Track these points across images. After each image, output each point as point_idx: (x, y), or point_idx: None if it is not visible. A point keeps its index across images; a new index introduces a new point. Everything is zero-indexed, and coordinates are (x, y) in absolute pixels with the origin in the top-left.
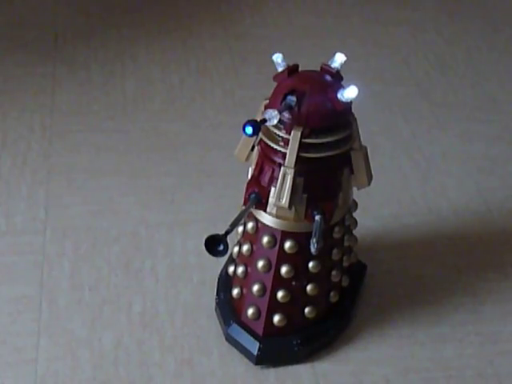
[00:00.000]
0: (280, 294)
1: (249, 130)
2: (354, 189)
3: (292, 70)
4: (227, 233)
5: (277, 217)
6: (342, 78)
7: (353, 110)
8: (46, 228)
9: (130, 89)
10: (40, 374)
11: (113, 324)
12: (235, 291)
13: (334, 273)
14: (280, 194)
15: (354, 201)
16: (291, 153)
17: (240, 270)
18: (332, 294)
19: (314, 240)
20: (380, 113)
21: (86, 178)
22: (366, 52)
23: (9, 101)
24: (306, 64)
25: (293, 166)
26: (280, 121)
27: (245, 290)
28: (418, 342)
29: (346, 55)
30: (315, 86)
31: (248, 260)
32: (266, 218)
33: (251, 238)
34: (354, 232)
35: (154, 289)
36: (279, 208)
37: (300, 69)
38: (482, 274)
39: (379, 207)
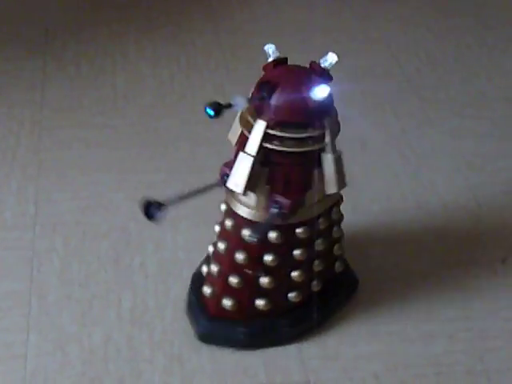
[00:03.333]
0: (265, 281)
1: (210, 111)
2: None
3: (279, 62)
4: (171, 202)
5: (238, 201)
6: (330, 78)
7: (342, 110)
8: (36, 223)
9: (120, 84)
10: (29, 369)
11: (102, 320)
12: (208, 290)
13: (316, 262)
14: (235, 178)
15: (340, 195)
16: (252, 140)
17: (215, 268)
18: (315, 282)
19: (254, 230)
20: (370, 109)
21: (75, 173)
22: (356, 48)
23: None
24: (296, 59)
25: (253, 153)
26: (256, 110)
27: (219, 286)
28: (407, 339)
29: (336, 51)
30: (290, 81)
31: (225, 257)
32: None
33: (228, 234)
34: (344, 227)
35: (144, 284)
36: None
37: (290, 63)
38: (472, 270)
39: (369, 203)
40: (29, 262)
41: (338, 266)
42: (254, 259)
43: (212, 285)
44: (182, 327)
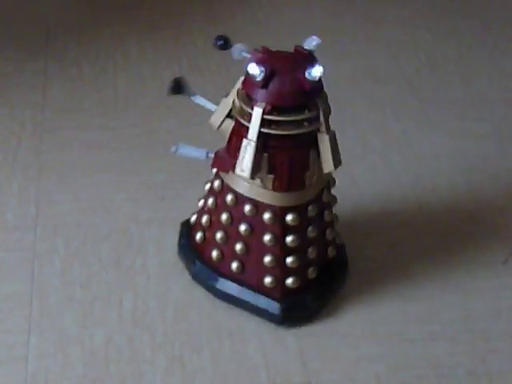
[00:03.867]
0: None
1: (220, 42)
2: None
3: (266, 49)
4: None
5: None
6: (315, 60)
7: (343, 108)
8: (37, 225)
9: (121, 86)
10: (30, 371)
11: (104, 321)
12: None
13: (310, 249)
14: (242, 164)
15: (333, 178)
16: (253, 126)
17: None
18: (311, 269)
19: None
20: (371, 110)
21: (76, 174)
22: (357, 49)
23: None
24: None
25: (254, 139)
26: (249, 97)
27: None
28: (408, 340)
29: (336, 52)
30: (285, 65)
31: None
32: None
33: (230, 208)
34: (344, 227)
35: (145, 286)
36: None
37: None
38: (473, 271)
39: (370, 205)
40: (30, 264)
41: (330, 251)
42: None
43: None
44: (183, 328)
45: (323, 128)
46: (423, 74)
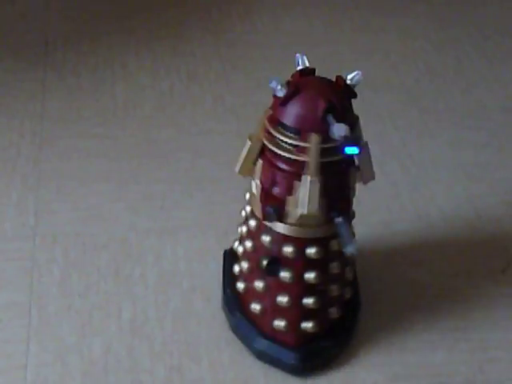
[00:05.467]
0: (310, 301)
1: (353, 150)
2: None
3: (295, 89)
4: None
5: (299, 225)
6: (354, 95)
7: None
8: (36, 234)
9: (120, 95)
10: (29, 380)
11: (102, 330)
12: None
13: (333, 287)
14: (306, 202)
15: (353, 211)
16: (312, 160)
17: (261, 284)
18: (332, 309)
19: (345, 242)
20: (370, 120)
21: (75, 184)
22: (355, 59)
23: None
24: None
25: (315, 174)
26: (293, 129)
27: (268, 303)
28: (407, 349)
29: (335, 62)
30: (334, 96)
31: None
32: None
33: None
34: None
35: (144, 295)
36: (301, 216)
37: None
38: (472, 280)
39: (369, 214)
40: (29, 273)
41: (346, 292)
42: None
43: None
44: (182, 338)
45: (363, 142)
46: (422, 83)
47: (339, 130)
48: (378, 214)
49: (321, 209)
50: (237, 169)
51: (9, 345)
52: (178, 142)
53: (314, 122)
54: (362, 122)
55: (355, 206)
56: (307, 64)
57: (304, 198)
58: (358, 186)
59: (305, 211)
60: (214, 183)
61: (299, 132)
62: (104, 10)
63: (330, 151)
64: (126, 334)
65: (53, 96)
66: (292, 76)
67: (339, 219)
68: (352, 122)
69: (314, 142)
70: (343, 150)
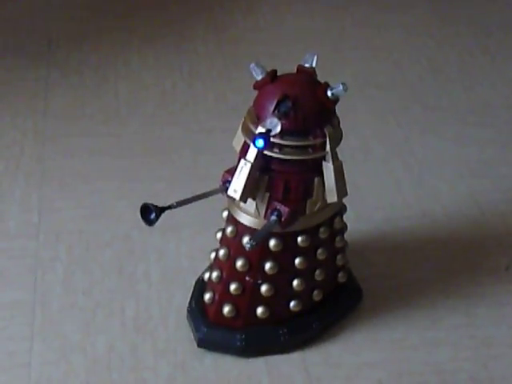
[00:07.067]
0: (265, 288)
1: (259, 143)
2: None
3: (273, 75)
4: (169, 207)
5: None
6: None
7: (345, 115)
8: (39, 232)
9: (122, 93)
10: (33, 378)
11: (106, 328)
12: (208, 296)
13: (317, 272)
14: (235, 185)
15: (344, 205)
16: (252, 147)
17: (215, 274)
18: (316, 292)
19: (252, 237)
20: (373, 117)
21: (79, 181)
22: (358, 56)
23: (1, 105)
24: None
25: (252, 160)
26: (258, 117)
27: (219, 293)
28: (411, 346)
29: (338, 59)
30: (305, 89)
31: (225, 263)
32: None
33: (229, 241)
34: (347, 235)
35: (147, 293)
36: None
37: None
38: (476, 277)
39: (372, 211)
40: (32, 271)
41: (340, 277)
42: (255, 266)
43: (212, 291)
44: (185, 335)
45: (329, 157)
46: (425, 80)
47: (271, 123)
48: (382, 211)
49: (260, 201)
50: (233, 142)
51: (13, 343)
52: (180, 139)
53: (268, 111)
54: (364, 119)
55: (358, 203)
56: (314, 64)
57: (234, 180)
58: (363, 181)
59: (231, 192)
60: (217, 181)
61: (258, 118)
62: (107, 8)
63: (281, 148)
64: (129, 332)
65: (56, 94)
66: (256, 86)
67: (274, 218)
68: (331, 123)
69: (258, 129)
70: (254, 142)
